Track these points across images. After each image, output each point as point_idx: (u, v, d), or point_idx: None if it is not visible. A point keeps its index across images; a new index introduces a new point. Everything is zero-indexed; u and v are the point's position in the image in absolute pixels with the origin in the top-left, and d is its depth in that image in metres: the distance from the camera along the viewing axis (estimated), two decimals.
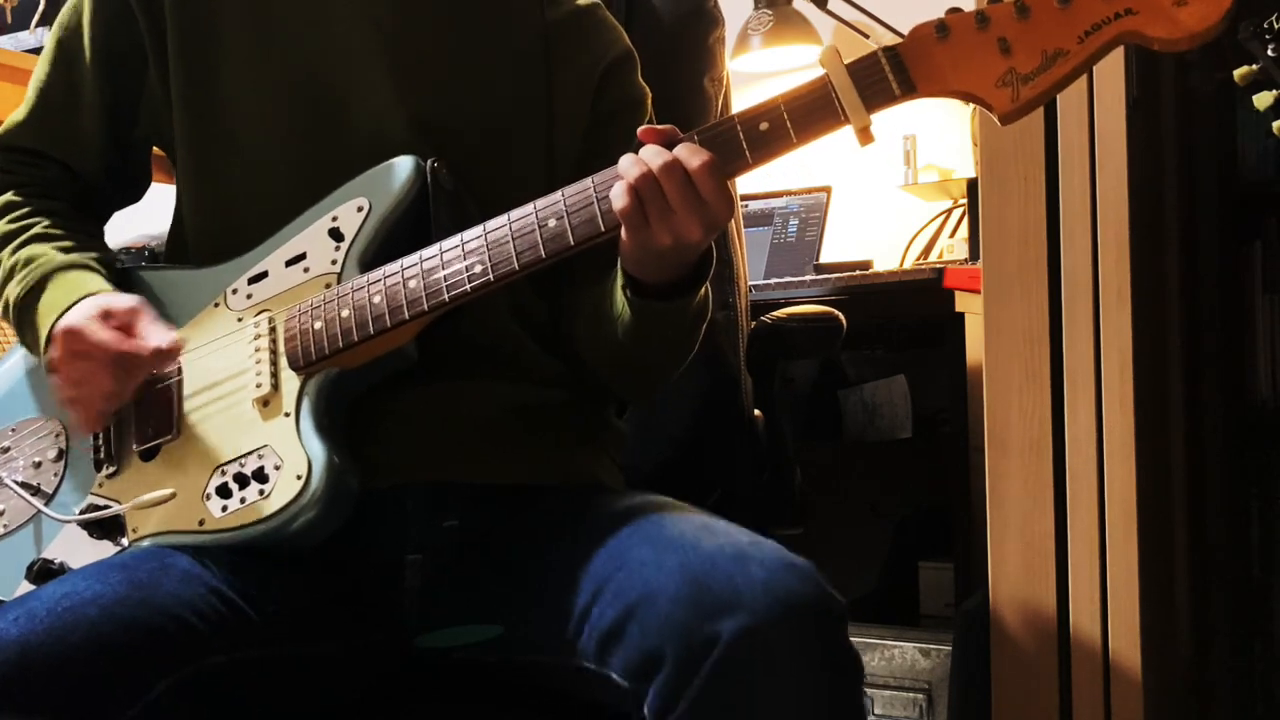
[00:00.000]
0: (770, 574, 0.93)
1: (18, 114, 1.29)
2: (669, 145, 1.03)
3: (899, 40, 1.01)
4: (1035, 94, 0.98)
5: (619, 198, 1.02)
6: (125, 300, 1.14)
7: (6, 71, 2.05)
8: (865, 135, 1.01)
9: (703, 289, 1.13)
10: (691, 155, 1.01)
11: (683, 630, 0.91)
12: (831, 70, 1.01)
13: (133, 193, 1.33)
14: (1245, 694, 1.74)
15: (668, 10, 1.55)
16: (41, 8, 2.62)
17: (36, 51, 2.42)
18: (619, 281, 1.13)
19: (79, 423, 1.15)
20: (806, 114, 1.02)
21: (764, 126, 1.02)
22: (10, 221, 1.23)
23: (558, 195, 1.06)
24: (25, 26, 2.66)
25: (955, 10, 1.00)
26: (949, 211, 2.56)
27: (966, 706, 1.62)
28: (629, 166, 1.03)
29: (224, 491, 1.07)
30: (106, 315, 1.12)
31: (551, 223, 1.05)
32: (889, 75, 1.00)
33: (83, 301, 1.13)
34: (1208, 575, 1.65)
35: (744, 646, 0.90)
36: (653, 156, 1.02)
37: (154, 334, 1.12)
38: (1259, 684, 1.74)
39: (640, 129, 1.05)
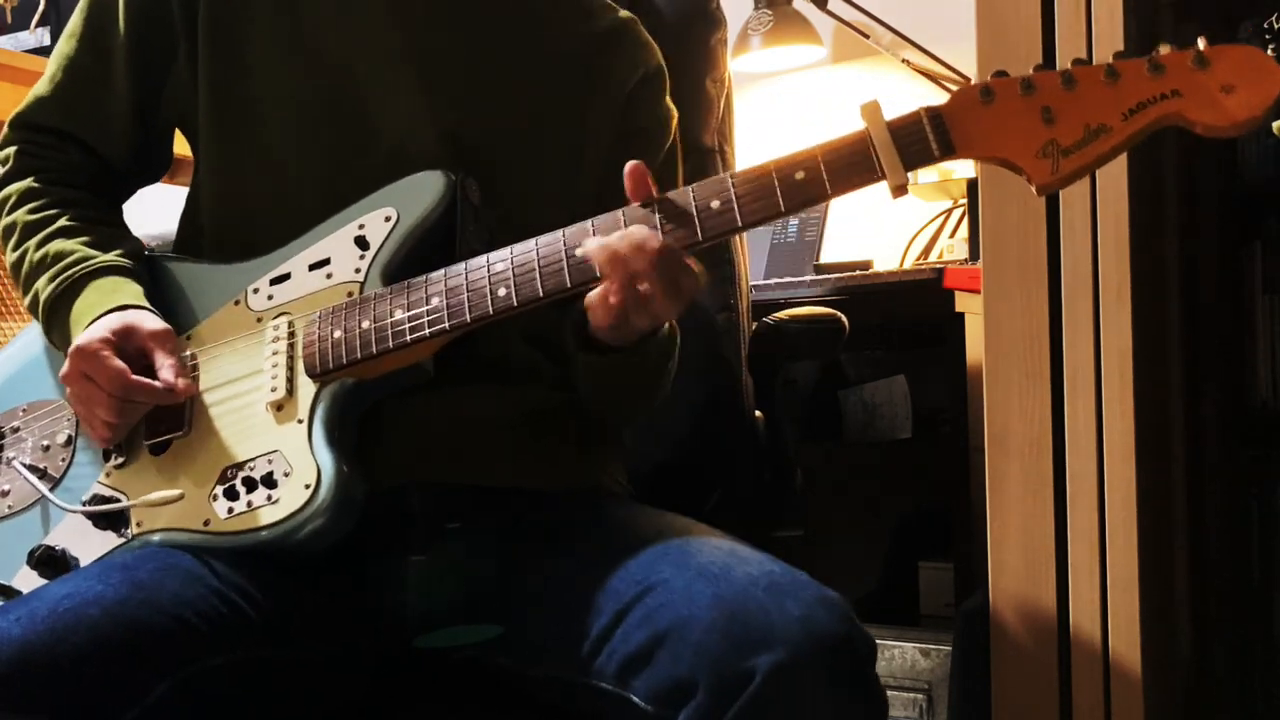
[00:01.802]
0: (805, 609, 0.93)
1: (41, 89, 1.27)
2: (670, 197, 1.03)
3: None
4: (1074, 168, 0.97)
5: (603, 301, 1.02)
6: (151, 323, 1.13)
7: (6, 71, 2.05)
8: (900, 191, 1.01)
9: (654, 341, 1.12)
10: (648, 243, 1.00)
11: (717, 661, 0.92)
12: (873, 127, 1.00)
13: (153, 175, 1.33)
14: (1245, 694, 1.74)
15: (670, 11, 1.55)
16: (41, 8, 2.62)
17: (36, 51, 2.43)
18: (570, 332, 1.12)
19: (91, 437, 1.15)
20: (844, 169, 1.01)
21: (800, 176, 1.02)
22: (31, 212, 1.22)
23: (587, 225, 1.06)
24: (25, 26, 2.66)
25: (1001, 74, 1.00)
26: (949, 211, 2.56)
27: (966, 706, 1.62)
28: (607, 266, 1.01)
29: (231, 494, 1.07)
30: (127, 334, 1.11)
31: (579, 251, 1.05)
32: (930, 137, 0.99)
33: (107, 316, 1.12)
34: (1208, 575, 1.65)
35: (779, 682, 0.90)
36: (633, 255, 1.00)
37: (166, 370, 1.11)
38: (1259, 684, 1.74)
39: (627, 166, 1.04)
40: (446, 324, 1.07)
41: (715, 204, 1.03)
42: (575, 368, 1.16)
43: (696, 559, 1.00)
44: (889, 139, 1.00)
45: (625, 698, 0.98)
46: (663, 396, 1.22)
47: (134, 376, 1.10)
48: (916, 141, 0.99)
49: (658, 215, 1.04)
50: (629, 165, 1.04)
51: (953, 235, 2.54)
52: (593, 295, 1.05)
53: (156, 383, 1.10)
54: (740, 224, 1.03)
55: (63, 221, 1.21)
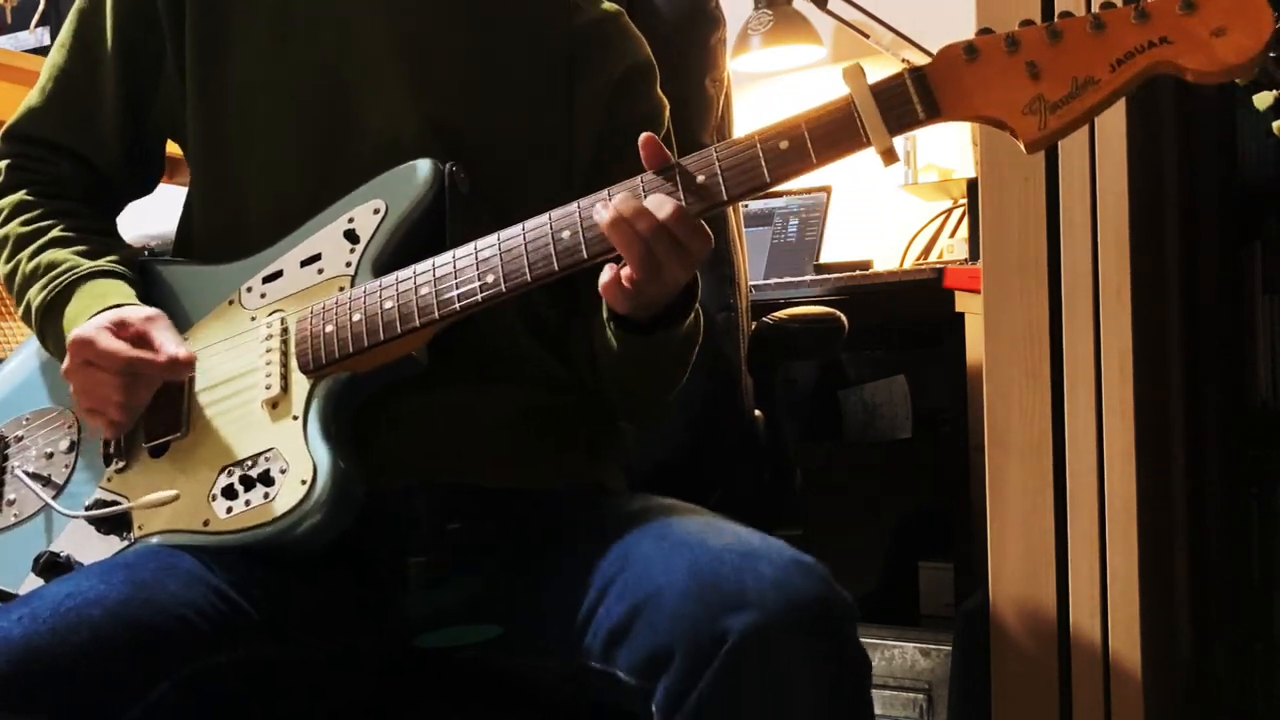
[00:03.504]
0: (779, 571, 0.93)
1: (33, 100, 1.27)
2: (655, 172, 1.03)
3: (926, 61, 0.99)
4: (1063, 123, 0.95)
5: (614, 278, 1.03)
6: (142, 310, 1.14)
7: (6, 71, 2.05)
8: (889, 156, 0.99)
9: (688, 318, 1.12)
10: (661, 207, 1.00)
11: (691, 627, 0.92)
12: (855, 90, 0.99)
13: (146, 184, 1.33)
14: (1245, 694, 1.74)
15: (669, 11, 1.55)
16: (41, 7, 2.63)
17: (36, 51, 2.43)
18: (604, 315, 1.12)
19: (100, 429, 1.15)
20: (828, 135, 1.00)
21: (784, 145, 1.01)
22: (24, 224, 1.22)
23: (573, 206, 1.06)
24: (25, 26, 2.66)
25: (986, 31, 0.98)
26: (949, 211, 2.57)
27: (966, 706, 1.62)
28: (614, 231, 1.01)
29: (230, 493, 1.08)
30: (121, 325, 1.11)
31: (565, 234, 1.05)
32: (914, 98, 0.98)
33: (101, 313, 1.13)
34: (1208, 575, 1.65)
35: (753, 643, 0.90)
36: (636, 217, 1.01)
37: (168, 344, 1.11)
38: (1259, 684, 1.74)
39: (642, 138, 1.04)
40: (436, 313, 1.07)
41: (701, 178, 1.03)
42: (607, 354, 1.16)
43: (675, 531, 1.01)
44: (872, 103, 0.98)
45: (613, 674, 0.98)
46: (683, 379, 1.23)
47: (135, 351, 1.10)
48: (901, 103, 0.98)
49: (644, 192, 1.04)
50: (643, 137, 1.03)
51: (953, 235, 2.54)
52: (605, 274, 1.05)
53: (158, 355, 1.10)
54: (725, 197, 1.02)
55: (55, 232, 1.21)
